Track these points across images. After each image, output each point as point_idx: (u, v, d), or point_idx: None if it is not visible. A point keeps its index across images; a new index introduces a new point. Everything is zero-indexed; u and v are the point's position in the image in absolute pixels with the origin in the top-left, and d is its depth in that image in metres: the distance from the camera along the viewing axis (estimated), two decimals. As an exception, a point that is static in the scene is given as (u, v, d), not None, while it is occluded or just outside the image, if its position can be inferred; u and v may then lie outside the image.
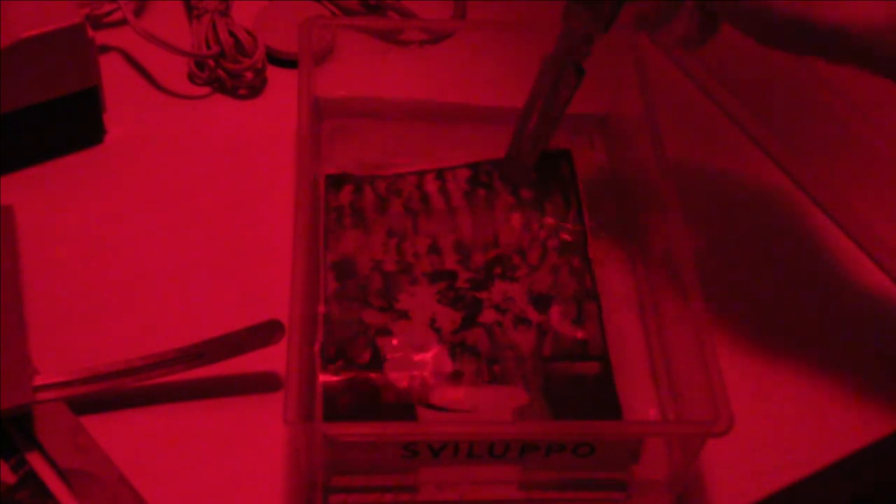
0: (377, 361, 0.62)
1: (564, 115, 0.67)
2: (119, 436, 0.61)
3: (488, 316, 0.64)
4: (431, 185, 0.69)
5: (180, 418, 0.62)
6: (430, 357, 0.63)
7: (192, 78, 0.78)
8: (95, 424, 0.61)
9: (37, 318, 0.64)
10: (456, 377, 0.62)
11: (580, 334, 0.64)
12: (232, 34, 0.76)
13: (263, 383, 0.63)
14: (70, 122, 0.72)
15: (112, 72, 0.76)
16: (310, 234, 0.62)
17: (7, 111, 0.69)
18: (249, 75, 0.77)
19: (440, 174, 0.70)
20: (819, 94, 0.73)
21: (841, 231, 0.72)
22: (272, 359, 0.62)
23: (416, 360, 0.62)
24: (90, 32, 0.69)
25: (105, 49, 0.78)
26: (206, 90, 0.77)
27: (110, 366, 0.61)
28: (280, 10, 0.80)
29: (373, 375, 0.62)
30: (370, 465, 0.59)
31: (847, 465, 0.63)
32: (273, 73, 0.78)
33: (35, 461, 0.60)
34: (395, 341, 0.63)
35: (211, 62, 0.77)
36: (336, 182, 0.70)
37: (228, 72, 0.76)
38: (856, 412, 0.65)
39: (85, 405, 0.61)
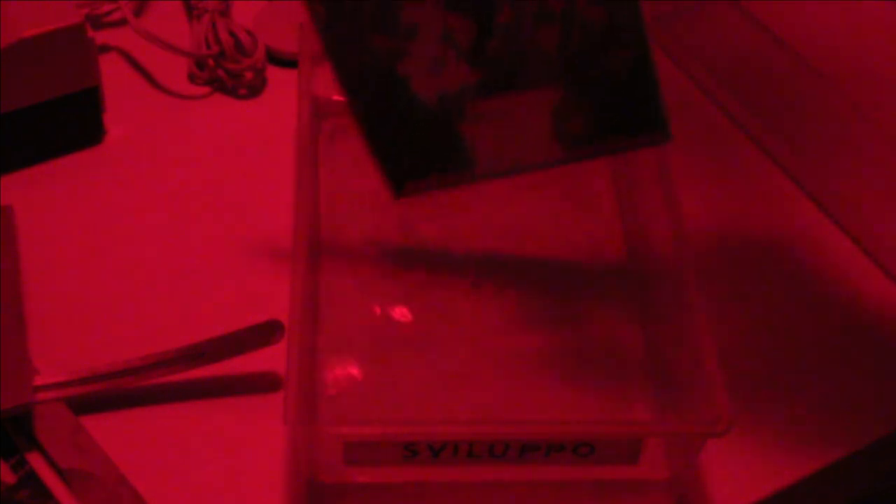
0: (401, 84, 0.58)
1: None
2: (119, 436, 0.61)
3: (506, 15, 0.57)
4: None
5: (180, 418, 0.62)
6: (453, 73, 0.58)
7: (192, 78, 0.78)
8: (95, 424, 0.61)
9: (37, 318, 0.64)
10: (484, 87, 0.58)
11: (609, 19, 0.58)
12: (232, 34, 0.76)
13: (263, 383, 0.63)
14: (70, 122, 0.72)
15: (112, 72, 0.76)
16: (310, 234, 0.62)
17: (7, 111, 0.69)
18: (249, 75, 0.77)
19: None
20: (819, 94, 0.73)
21: (841, 231, 0.72)
22: (272, 359, 0.62)
23: (440, 77, 0.58)
24: (90, 32, 0.69)
25: (105, 49, 0.78)
26: (206, 90, 0.77)
27: (110, 366, 0.61)
28: (280, 10, 0.80)
29: (402, 98, 0.58)
30: (370, 464, 0.59)
31: (847, 466, 0.63)
32: (273, 73, 0.78)
33: (35, 461, 0.60)
34: (412, 63, 0.57)
35: (211, 62, 0.77)
36: None
37: (228, 72, 0.76)
38: (855, 412, 0.65)
39: (85, 405, 0.61)
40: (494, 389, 0.63)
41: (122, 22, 0.77)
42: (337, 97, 0.72)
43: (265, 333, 0.62)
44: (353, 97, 0.58)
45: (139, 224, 0.70)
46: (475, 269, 0.68)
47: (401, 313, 0.66)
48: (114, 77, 0.75)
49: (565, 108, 0.58)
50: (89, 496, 0.59)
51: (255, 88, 0.78)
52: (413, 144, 0.59)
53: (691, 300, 0.59)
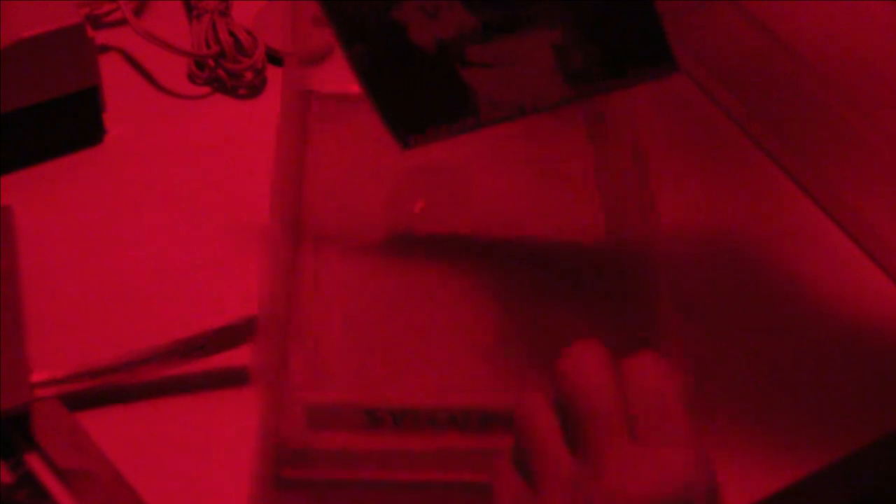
0: (398, 31, 0.57)
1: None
2: (117, 434, 0.61)
3: None
4: None
5: (178, 415, 0.62)
6: (449, 16, 0.58)
7: (192, 78, 0.78)
8: (93, 423, 0.61)
9: (36, 318, 0.64)
10: (485, 32, 0.58)
11: None
12: (232, 34, 0.76)
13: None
14: (70, 122, 0.72)
15: (112, 72, 0.76)
16: (291, 227, 0.62)
17: (7, 111, 0.69)
18: (249, 75, 0.77)
19: None
20: (819, 94, 0.73)
21: (841, 231, 0.72)
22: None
23: (436, 22, 0.58)
24: (90, 32, 0.69)
25: (105, 49, 0.78)
26: (206, 90, 0.78)
27: (107, 360, 0.61)
28: (280, 10, 0.80)
29: (400, 46, 0.58)
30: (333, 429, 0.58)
31: (847, 465, 0.63)
32: (273, 73, 0.78)
33: (33, 461, 0.60)
34: (408, 9, 0.57)
35: (211, 62, 0.77)
36: None
37: (228, 72, 0.77)
38: (855, 412, 0.64)
39: (82, 402, 0.61)
40: (472, 372, 0.63)
41: (122, 22, 0.77)
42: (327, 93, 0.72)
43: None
44: (350, 49, 0.58)
45: (139, 224, 0.70)
46: (458, 253, 0.68)
47: (381, 296, 0.66)
48: (114, 77, 0.75)
49: (567, 45, 0.58)
50: (87, 495, 0.59)
51: (255, 88, 0.78)
52: (415, 94, 0.58)
53: (657, 285, 0.59)
